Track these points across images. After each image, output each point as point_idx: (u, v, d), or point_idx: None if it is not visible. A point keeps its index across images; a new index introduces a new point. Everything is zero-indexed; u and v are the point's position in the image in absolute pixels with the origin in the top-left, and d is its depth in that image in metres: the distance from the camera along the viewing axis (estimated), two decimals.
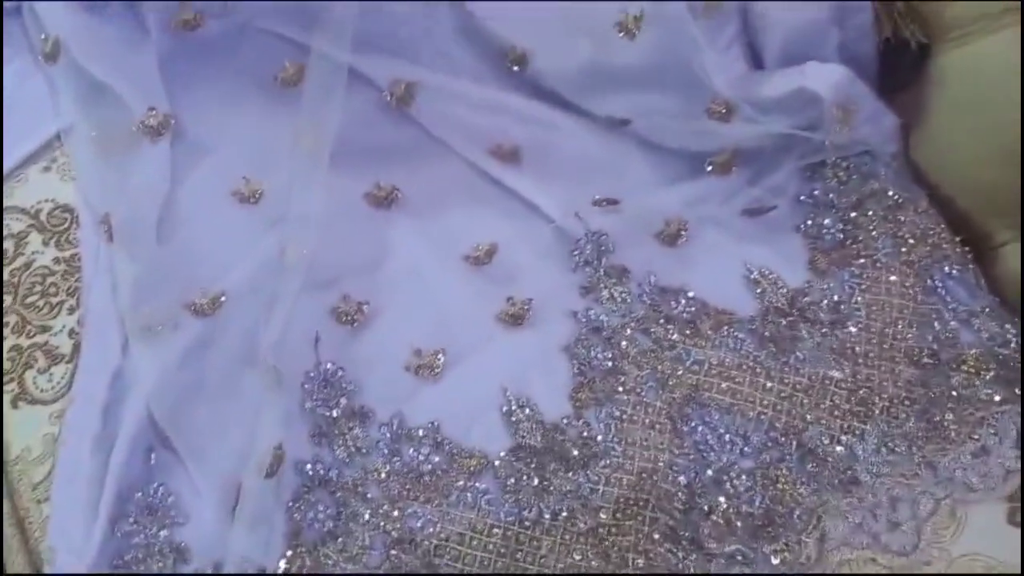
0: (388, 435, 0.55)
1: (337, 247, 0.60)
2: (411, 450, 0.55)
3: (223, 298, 0.57)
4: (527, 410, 0.56)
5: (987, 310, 0.59)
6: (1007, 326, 0.59)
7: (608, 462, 0.54)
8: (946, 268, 0.61)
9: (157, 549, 0.52)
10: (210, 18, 0.65)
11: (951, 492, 0.54)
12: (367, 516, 0.53)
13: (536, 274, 0.62)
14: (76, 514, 0.52)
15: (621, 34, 0.64)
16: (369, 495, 0.53)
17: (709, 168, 0.65)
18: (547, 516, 0.53)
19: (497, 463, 0.54)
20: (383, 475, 0.54)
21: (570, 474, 0.54)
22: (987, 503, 0.54)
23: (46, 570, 0.52)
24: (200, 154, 0.63)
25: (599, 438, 0.55)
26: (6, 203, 0.62)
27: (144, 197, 0.59)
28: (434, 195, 0.64)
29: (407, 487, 0.54)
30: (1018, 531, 0.53)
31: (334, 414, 0.56)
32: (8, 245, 0.60)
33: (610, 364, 0.58)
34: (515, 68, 0.66)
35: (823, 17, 0.63)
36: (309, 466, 0.54)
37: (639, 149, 0.67)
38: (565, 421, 0.56)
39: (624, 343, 0.59)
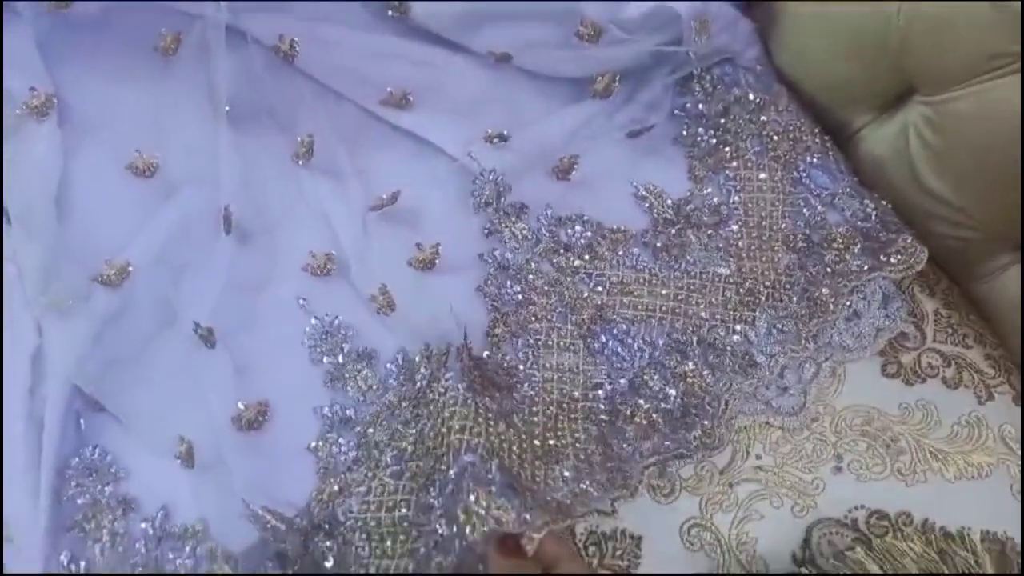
0: (395, 369, 0.59)
1: (255, 204, 0.62)
2: (418, 375, 0.58)
3: (130, 268, 0.59)
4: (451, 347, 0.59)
5: (848, 190, 0.65)
6: (865, 201, 0.64)
7: (531, 387, 0.58)
8: (808, 158, 0.66)
9: (104, 504, 0.55)
10: None
11: (830, 355, 0.60)
12: (385, 439, 0.56)
13: (441, 218, 0.64)
14: (19, 494, 0.54)
15: None
16: (384, 423, 0.57)
17: (592, 97, 0.68)
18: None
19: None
20: (396, 403, 0.58)
21: (498, 393, 0.57)
22: (862, 361, 0.60)
23: (4, 550, 0.54)
24: (88, 131, 0.63)
25: (520, 367, 0.59)
26: None
27: (38, 178, 0.59)
28: (334, 145, 0.65)
29: (413, 406, 0.57)
30: (891, 381, 0.60)
31: (340, 359, 0.59)
32: None
33: (520, 297, 0.61)
34: (394, 15, 0.67)
35: None
36: (327, 408, 0.58)
37: (525, 79, 0.69)
38: (487, 355, 0.59)
39: (531, 276, 0.62)
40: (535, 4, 0.67)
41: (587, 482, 0.54)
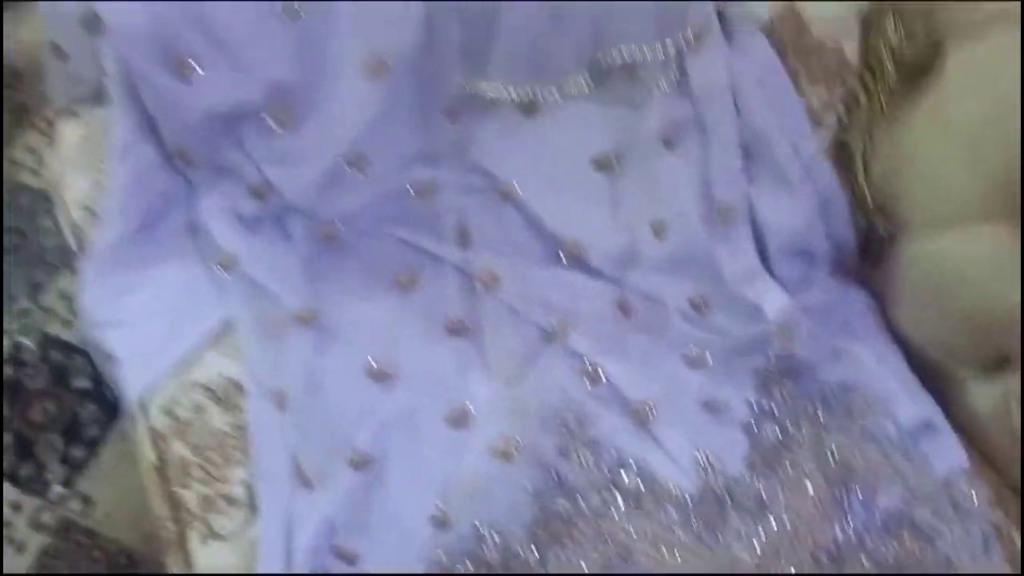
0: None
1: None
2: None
3: (373, 459, 0.71)
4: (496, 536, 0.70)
5: (878, 532, 0.69)
6: (888, 547, 0.68)
7: None
8: (856, 490, 0.72)
9: None
10: (344, 227, 0.81)
11: None
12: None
13: (524, 427, 0.75)
14: None
15: (653, 234, 0.82)
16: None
17: (684, 362, 0.79)
18: None
19: None
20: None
21: None
22: None
23: None
24: (337, 337, 0.77)
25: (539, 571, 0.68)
26: (191, 377, 0.77)
27: (297, 373, 0.74)
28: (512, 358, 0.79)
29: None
30: None
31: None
32: (191, 414, 0.75)
33: (566, 515, 0.71)
34: (566, 258, 0.83)
35: (812, 213, 0.80)
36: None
37: (638, 330, 0.81)
38: (521, 553, 0.69)
39: (581, 502, 0.72)
40: (685, 265, 0.80)
41: None
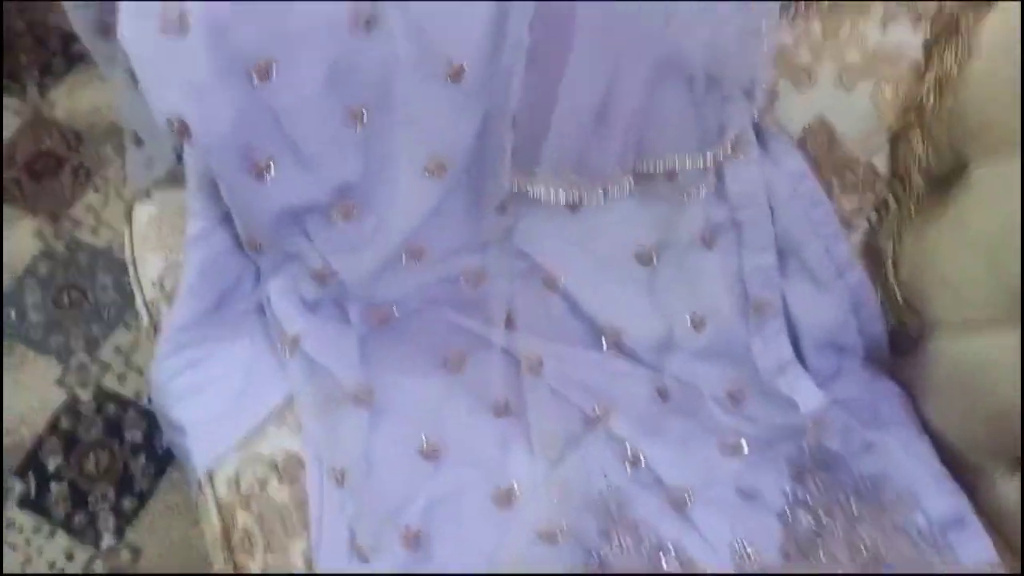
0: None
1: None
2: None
3: (420, 532, 0.74)
4: None
5: None
6: None
7: None
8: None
9: None
10: (398, 310, 0.86)
11: None
12: None
13: (568, 509, 0.78)
14: None
15: (691, 325, 0.86)
16: None
17: (719, 449, 0.83)
18: None
19: None
20: None
21: None
22: None
23: None
24: (388, 413, 0.81)
25: None
26: (254, 450, 0.81)
27: (351, 448, 0.78)
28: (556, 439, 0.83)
29: None
30: None
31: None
32: (255, 486, 0.79)
33: None
34: (607, 344, 0.87)
35: (845, 311, 0.84)
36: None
37: (676, 414, 0.84)
38: None
39: None
40: (721, 356, 0.84)
41: None
